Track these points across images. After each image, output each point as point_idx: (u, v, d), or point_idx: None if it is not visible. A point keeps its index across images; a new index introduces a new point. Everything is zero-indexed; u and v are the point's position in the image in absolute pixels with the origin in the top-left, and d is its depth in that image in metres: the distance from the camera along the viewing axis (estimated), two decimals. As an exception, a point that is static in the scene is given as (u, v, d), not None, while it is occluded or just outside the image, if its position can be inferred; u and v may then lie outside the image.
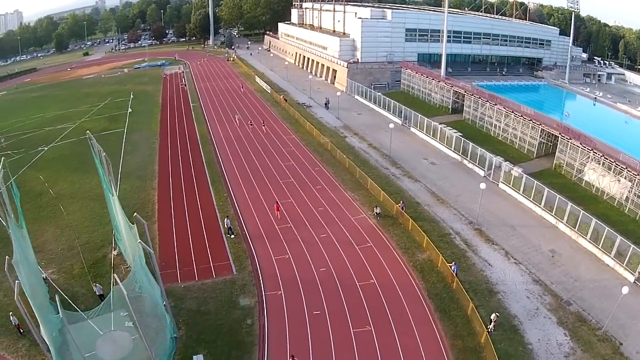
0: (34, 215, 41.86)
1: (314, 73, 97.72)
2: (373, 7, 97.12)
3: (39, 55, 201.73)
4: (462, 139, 51.46)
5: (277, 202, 40.90)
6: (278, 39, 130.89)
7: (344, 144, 56.72)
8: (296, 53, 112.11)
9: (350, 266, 33.27)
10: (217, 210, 41.71)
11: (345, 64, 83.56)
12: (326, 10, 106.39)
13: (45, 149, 62.37)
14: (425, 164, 50.94)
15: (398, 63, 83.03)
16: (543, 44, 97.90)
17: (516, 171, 44.64)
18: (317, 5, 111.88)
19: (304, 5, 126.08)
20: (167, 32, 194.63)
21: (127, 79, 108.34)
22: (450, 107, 67.82)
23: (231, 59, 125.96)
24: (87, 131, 39.31)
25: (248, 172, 50.00)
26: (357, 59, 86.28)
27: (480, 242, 36.25)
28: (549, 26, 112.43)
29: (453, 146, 52.64)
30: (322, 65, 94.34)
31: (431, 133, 56.92)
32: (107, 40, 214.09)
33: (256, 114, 71.26)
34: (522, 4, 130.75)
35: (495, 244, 35.92)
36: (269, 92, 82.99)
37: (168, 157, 55.63)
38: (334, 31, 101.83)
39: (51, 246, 37.24)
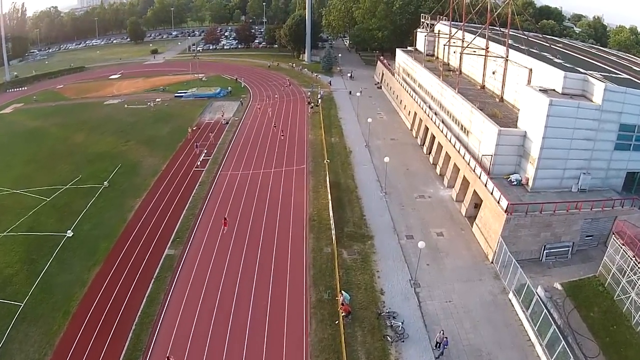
0: None
1: (438, 171, 53.71)
2: (565, 67, 46.90)
3: (113, 41, 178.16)
4: None
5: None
6: (393, 75, 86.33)
7: None
8: (415, 114, 67.02)
9: None
10: None
11: (505, 202, 37.20)
12: (473, 49, 57.68)
13: None
14: None
15: (598, 201, 37.16)
16: None
17: None
18: (459, 34, 64.26)
19: (437, 27, 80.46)
20: (256, 34, 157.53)
21: (144, 123, 71.75)
22: None
23: (313, 103, 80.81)
24: None
25: None
26: (527, 179, 40.34)
27: None
28: None
29: None
30: (456, 166, 48.74)
31: None
32: (194, 33, 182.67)
33: None
34: None
35: None
36: (333, 242, 38.35)
37: None
38: (482, 87, 56.80)
39: None
